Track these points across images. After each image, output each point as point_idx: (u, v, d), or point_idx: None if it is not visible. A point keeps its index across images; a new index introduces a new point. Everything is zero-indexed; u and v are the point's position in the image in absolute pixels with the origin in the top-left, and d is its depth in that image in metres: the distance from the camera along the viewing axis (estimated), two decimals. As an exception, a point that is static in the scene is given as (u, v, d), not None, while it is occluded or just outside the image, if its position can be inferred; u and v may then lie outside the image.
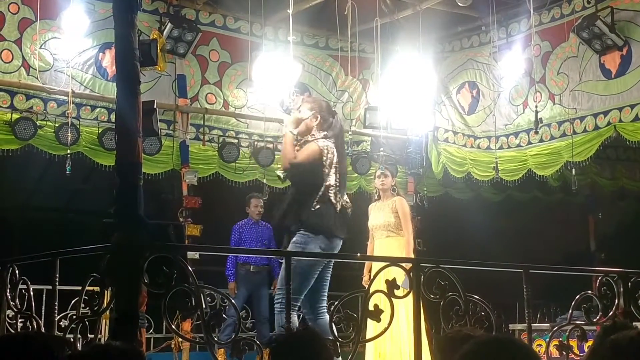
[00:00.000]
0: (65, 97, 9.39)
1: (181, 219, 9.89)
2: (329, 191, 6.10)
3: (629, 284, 5.42)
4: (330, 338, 4.50)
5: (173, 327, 4.66)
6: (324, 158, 6.11)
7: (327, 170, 6.10)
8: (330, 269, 6.26)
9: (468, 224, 11.98)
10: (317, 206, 6.04)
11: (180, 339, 9.53)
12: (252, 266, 9.86)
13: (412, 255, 7.90)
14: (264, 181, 10.50)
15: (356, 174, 11.21)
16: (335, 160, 6.14)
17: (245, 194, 10.57)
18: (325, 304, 6.16)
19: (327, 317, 5.77)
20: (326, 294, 6.23)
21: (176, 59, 10.28)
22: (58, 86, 9.41)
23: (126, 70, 4.43)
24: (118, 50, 4.53)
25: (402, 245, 8.01)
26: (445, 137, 11.69)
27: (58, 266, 4.67)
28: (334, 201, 6.10)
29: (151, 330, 10.03)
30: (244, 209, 10.48)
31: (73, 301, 6.10)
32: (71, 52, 9.49)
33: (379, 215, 8.29)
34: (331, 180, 6.11)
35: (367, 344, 7.41)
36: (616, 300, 5.40)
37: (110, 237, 4.23)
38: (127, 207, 4.25)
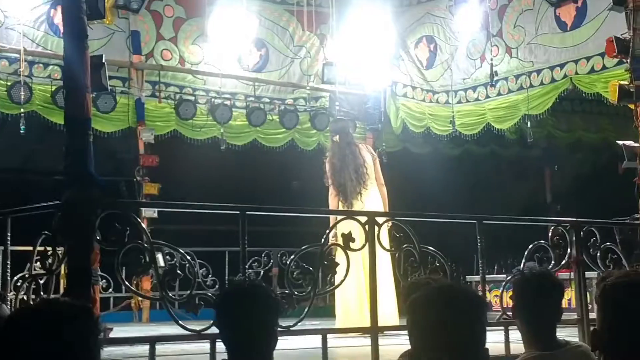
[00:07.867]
0: (17, 55, 9.21)
1: (138, 178, 9.81)
2: None
3: (581, 233, 5.51)
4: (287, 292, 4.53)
5: (127, 284, 4.63)
6: None
7: None
8: None
9: (426, 179, 12.03)
10: None
11: (140, 298, 9.51)
12: None
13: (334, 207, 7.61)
14: (222, 137, 10.44)
15: (315, 130, 11.19)
16: None
17: (204, 151, 10.49)
18: None
19: None
20: None
21: (130, 15, 10.12)
22: (9, 44, 9.23)
23: (73, 25, 4.35)
24: (64, 5, 4.45)
25: None
26: (404, 92, 11.66)
27: (9, 225, 4.62)
28: None
29: (110, 289, 9.96)
30: (202, 166, 10.40)
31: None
32: (22, 9, 9.29)
33: None
34: None
35: (338, 297, 7.42)
36: (569, 250, 5.49)
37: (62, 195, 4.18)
38: (77, 164, 4.20)
